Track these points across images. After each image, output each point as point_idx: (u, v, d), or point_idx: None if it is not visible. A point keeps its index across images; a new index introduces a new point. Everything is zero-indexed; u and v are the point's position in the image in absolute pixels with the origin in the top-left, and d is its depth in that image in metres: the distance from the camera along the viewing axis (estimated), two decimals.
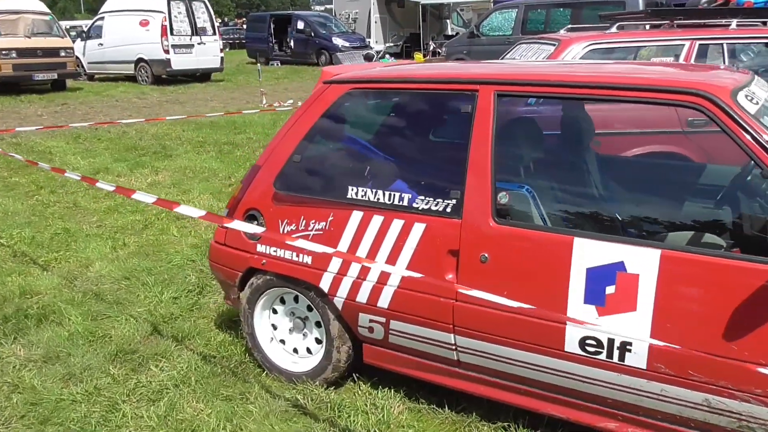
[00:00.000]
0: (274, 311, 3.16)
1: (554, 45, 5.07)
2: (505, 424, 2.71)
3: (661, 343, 2.13)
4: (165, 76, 16.81)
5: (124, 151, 8.45)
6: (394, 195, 2.67)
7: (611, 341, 2.26)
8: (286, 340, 3.17)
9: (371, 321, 2.78)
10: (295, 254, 2.91)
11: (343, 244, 2.77)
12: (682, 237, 2.40)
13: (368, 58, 16.26)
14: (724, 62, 4.87)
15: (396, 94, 2.86)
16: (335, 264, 2.80)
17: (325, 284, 2.84)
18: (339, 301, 2.83)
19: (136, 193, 3.32)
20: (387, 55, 18.71)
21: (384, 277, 2.69)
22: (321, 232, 2.84)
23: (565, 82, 2.48)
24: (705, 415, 2.20)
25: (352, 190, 2.78)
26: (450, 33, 25.12)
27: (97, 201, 6.14)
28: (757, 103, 2.29)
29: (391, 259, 2.66)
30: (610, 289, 2.26)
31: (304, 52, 23.62)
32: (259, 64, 17.97)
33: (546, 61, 4.42)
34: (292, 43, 24.28)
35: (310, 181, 2.95)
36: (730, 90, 2.21)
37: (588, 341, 2.30)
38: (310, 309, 3.04)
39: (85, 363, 3.25)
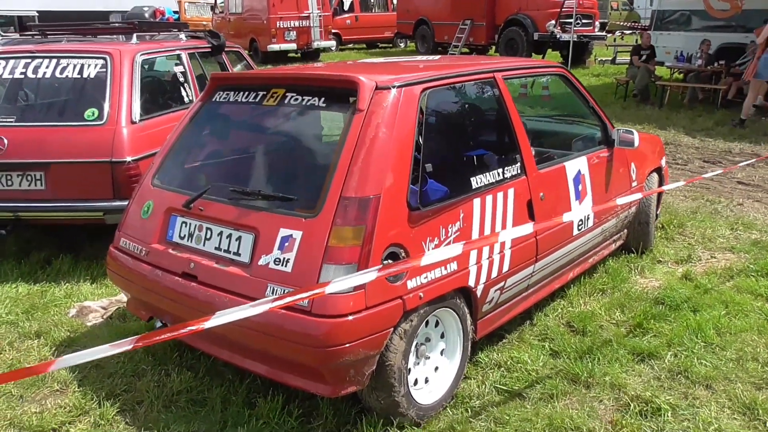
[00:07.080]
0: None
1: (104, 58, 4.61)
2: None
3: (599, 207, 3.82)
4: None
5: None
6: (496, 172, 3.02)
7: (585, 217, 3.74)
8: (418, 378, 2.80)
9: (494, 291, 3.07)
10: (443, 268, 2.72)
11: (475, 234, 2.89)
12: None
13: None
14: None
15: (449, 88, 2.96)
16: (473, 256, 2.87)
17: (472, 279, 2.87)
18: (480, 288, 2.93)
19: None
20: None
21: (503, 245, 3.05)
22: (458, 233, 2.80)
23: (530, 65, 3.58)
24: (617, 226, 4.09)
25: (475, 180, 2.88)
26: None
27: None
28: None
29: (504, 227, 3.07)
30: (580, 187, 3.70)
31: None
32: None
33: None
34: None
35: (443, 186, 2.72)
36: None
37: (579, 224, 3.69)
38: (436, 324, 2.86)
39: None
